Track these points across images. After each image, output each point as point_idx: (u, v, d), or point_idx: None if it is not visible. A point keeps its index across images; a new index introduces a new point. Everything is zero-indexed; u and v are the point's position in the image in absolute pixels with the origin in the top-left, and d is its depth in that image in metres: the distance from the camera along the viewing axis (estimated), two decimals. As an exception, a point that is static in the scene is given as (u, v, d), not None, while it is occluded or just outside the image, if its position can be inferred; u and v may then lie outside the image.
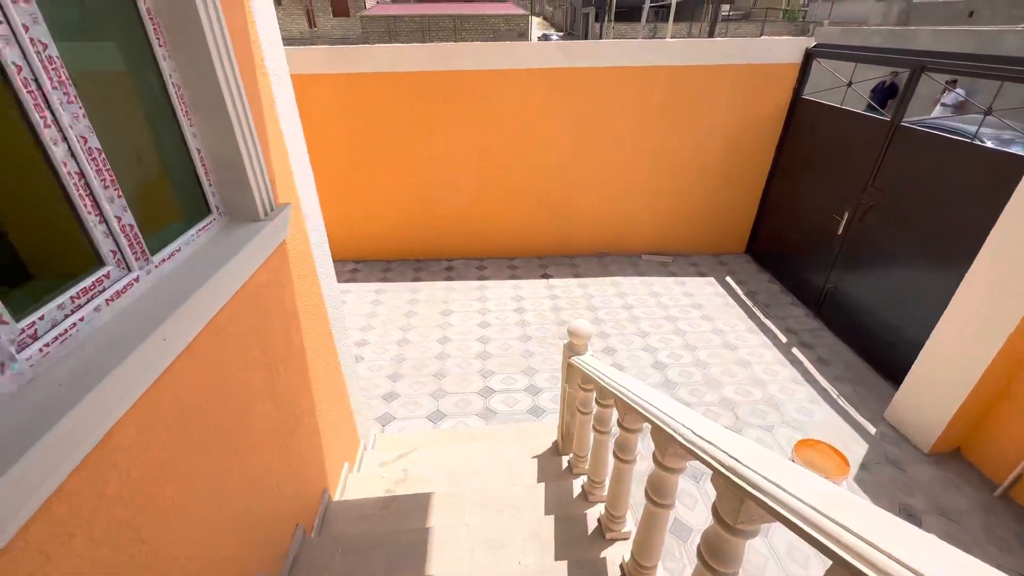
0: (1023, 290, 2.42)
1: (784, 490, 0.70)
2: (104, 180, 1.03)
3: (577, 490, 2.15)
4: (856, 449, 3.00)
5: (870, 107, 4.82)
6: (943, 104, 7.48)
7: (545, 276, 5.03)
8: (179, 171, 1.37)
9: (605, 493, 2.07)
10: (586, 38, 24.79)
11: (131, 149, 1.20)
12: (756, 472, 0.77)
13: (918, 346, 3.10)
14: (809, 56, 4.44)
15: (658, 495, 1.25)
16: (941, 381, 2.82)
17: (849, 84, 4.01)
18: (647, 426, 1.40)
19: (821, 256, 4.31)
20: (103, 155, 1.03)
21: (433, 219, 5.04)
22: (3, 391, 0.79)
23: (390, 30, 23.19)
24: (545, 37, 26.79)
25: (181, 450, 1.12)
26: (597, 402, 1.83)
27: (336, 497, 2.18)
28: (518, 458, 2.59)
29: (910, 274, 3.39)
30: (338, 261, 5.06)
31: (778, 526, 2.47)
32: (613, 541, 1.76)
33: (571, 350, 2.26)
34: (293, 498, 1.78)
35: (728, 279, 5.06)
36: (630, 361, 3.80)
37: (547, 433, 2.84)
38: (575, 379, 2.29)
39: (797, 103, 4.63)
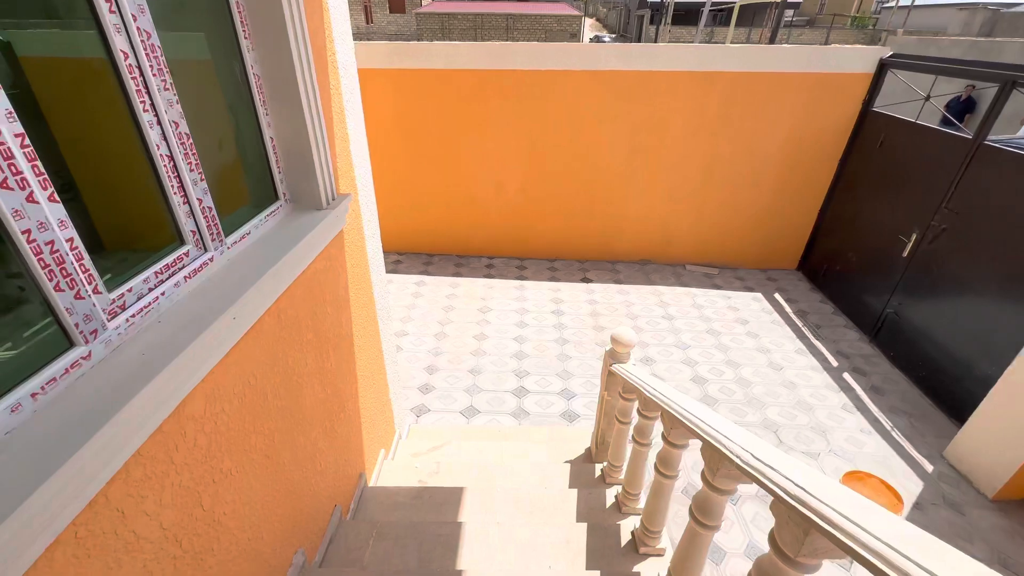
0: (1119, 331, 2.20)
1: (860, 527, 0.66)
2: (191, 163, 1.09)
3: (611, 500, 2.12)
4: (910, 487, 2.82)
5: (946, 122, 4.51)
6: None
7: (585, 280, 4.99)
8: (253, 158, 1.43)
9: (640, 506, 2.03)
10: (639, 41, 24.38)
11: (213, 135, 1.27)
12: (826, 504, 0.73)
13: (987, 381, 2.88)
14: (883, 66, 4.19)
15: (704, 515, 1.21)
16: (1014, 421, 2.61)
17: (927, 98, 3.77)
18: (693, 441, 1.36)
19: (882, 279, 4.07)
20: (191, 140, 1.08)
21: (477, 216, 5.08)
22: (96, 356, 0.85)
23: (444, 27, 23.58)
24: (597, 39, 26.56)
25: (240, 424, 1.17)
26: (639, 412, 1.80)
27: (371, 483, 2.23)
28: (550, 462, 2.58)
29: (983, 304, 3.15)
30: (383, 252, 5.19)
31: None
32: (647, 556, 1.72)
33: (613, 357, 2.23)
34: (333, 479, 1.83)
35: (777, 296, 4.85)
36: (668, 373, 3.71)
37: (580, 439, 2.81)
38: (615, 387, 2.26)
39: (866, 116, 4.38)
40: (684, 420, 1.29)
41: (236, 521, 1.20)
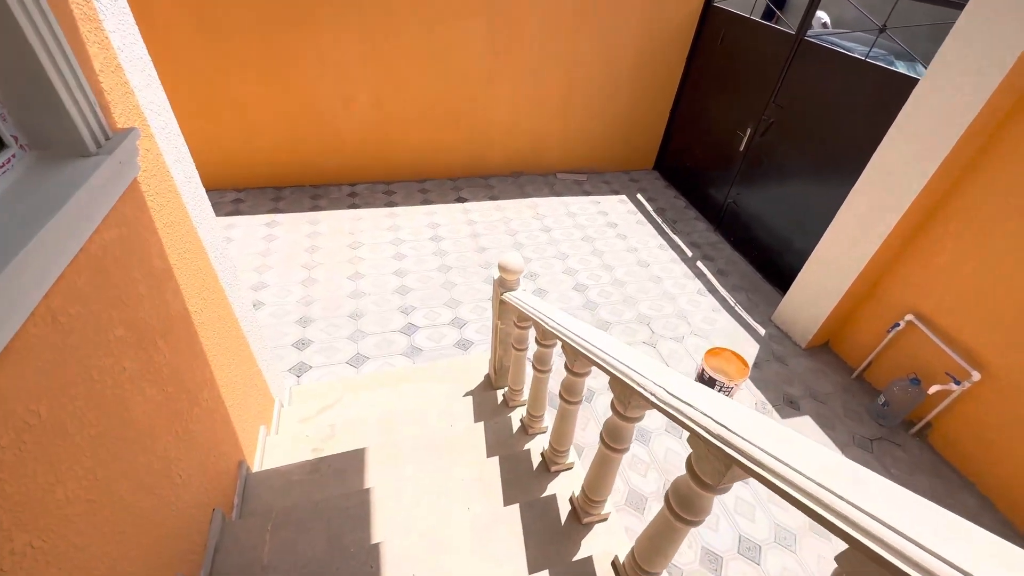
0: (894, 204, 2.71)
1: (781, 462, 0.66)
2: None
3: (516, 425, 2.16)
4: (750, 350, 3.38)
5: (768, 15, 4.87)
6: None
7: (460, 200, 4.75)
8: (-67, 83, 0.91)
9: (545, 425, 2.10)
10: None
11: None
12: (747, 440, 0.72)
13: (805, 255, 3.45)
14: (723, -42, 4.27)
15: (615, 440, 1.24)
16: (822, 285, 3.19)
17: (759, -8, 3.95)
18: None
19: (724, 171, 4.51)
20: None
21: (328, 137, 4.39)
22: None
23: None
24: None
25: (33, 482, 0.84)
26: (537, 342, 1.77)
27: (255, 467, 1.97)
28: (451, 397, 2.53)
29: (803, 189, 3.68)
30: (214, 191, 4.30)
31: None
32: (558, 473, 1.80)
33: (502, 286, 2.14)
34: (202, 483, 1.55)
35: (639, 196, 5.17)
36: (552, 285, 3.81)
37: (477, 367, 2.79)
38: (509, 316, 2.20)
39: (708, 11, 4.52)
40: (588, 354, 1.26)
41: (79, 562, 0.91)
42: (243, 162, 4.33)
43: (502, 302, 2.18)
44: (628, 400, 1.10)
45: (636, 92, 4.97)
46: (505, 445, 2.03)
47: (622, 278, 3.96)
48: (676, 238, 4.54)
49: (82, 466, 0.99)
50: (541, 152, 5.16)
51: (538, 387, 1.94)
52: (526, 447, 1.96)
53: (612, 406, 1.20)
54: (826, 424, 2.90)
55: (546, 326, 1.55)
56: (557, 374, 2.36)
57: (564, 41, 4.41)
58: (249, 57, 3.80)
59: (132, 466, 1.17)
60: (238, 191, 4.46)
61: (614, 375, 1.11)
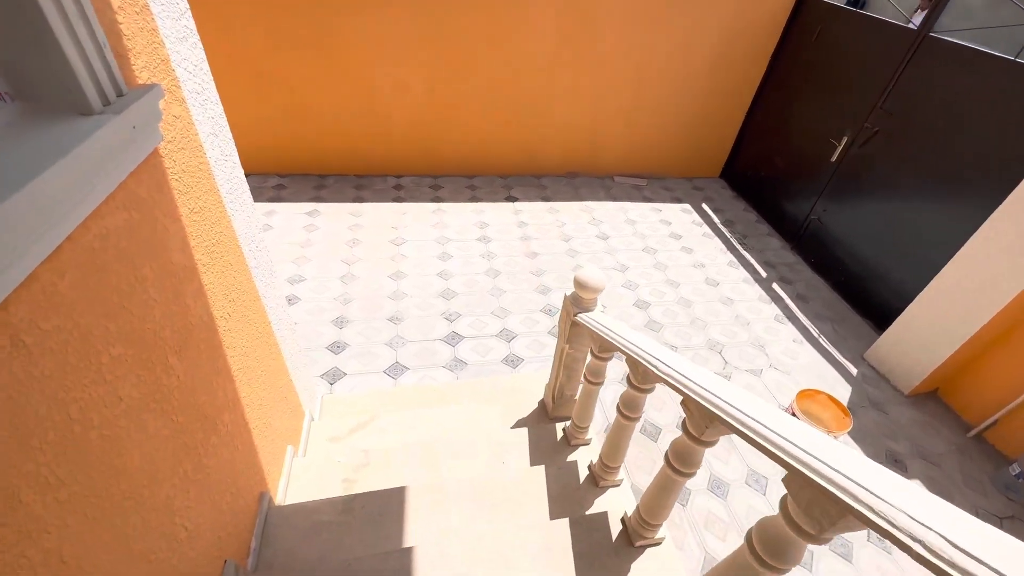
0: (1052, 234, 2.22)
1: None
2: None
3: (583, 471, 1.81)
4: (840, 392, 2.92)
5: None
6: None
7: (510, 199, 4.42)
8: None
9: (620, 478, 1.74)
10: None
11: None
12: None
13: (908, 286, 2.96)
14: (827, -56, 3.79)
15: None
16: (938, 325, 2.71)
17: (871, -18, 3.46)
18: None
19: (808, 185, 4.03)
20: None
21: (377, 124, 4.14)
22: None
23: None
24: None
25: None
26: (630, 383, 1.41)
27: (279, 498, 1.69)
28: (501, 425, 2.21)
29: (912, 210, 3.17)
30: (256, 175, 4.12)
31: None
32: (644, 549, 1.44)
33: (576, 305, 1.80)
34: (213, 529, 1.27)
35: (704, 206, 4.72)
36: (610, 299, 3.44)
37: (530, 390, 2.46)
38: (582, 341, 1.86)
39: (804, 3, 4.05)
40: (716, 411, 0.90)
41: None
42: (288, 146, 4.12)
43: (574, 323, 1.83)
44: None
45: (710, 92, 4.53)
46: (571, 499, 1.69)
47: (689, 297, 3.54)
48: (747, 255, 4.08)
49: (40, 548, 0.70)
50: (599, 152, 4.78)
51: (620, 435, 1.58)
52: (600, 507, 1.61)
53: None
54: (941, 492, 2.42)
55: (654, 368, 1.20)
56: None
57: (640, 31, 4.02)
58: (303, 35, 3.58)
59: (119, 531, 0.88)
60: (281, 176, 4.26)
61: (795, 469, 0.75)
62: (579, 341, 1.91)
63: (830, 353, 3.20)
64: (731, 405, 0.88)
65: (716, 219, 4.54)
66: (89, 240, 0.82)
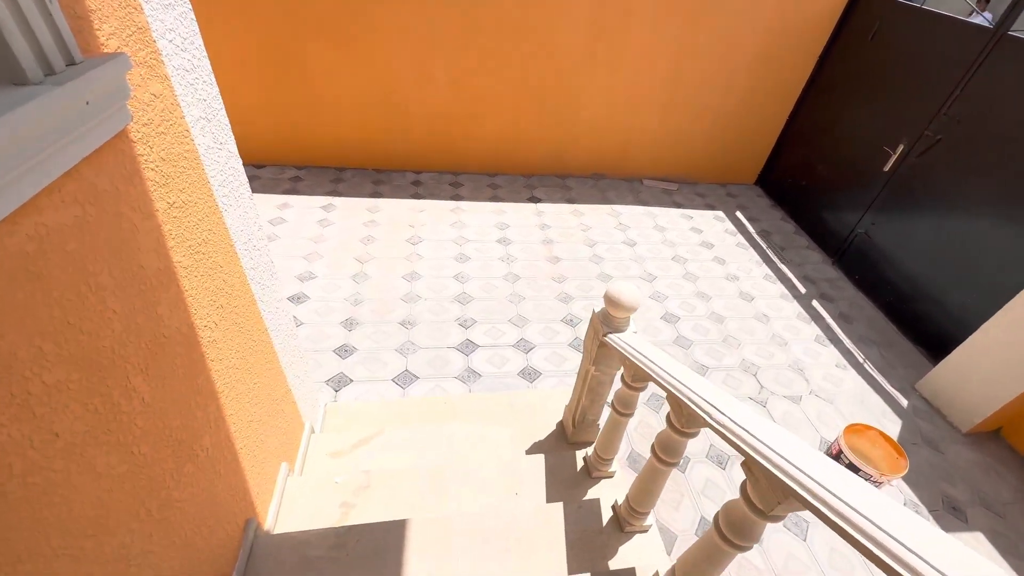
0: None
1: None
2: None
3: (606, 512, 1.61)
4: (889, 425, 2.65)
5: None
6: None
7: (533, 199, 4.22)
8: None
9: (648, 523, 1.54)
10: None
11: None
12: None
13: (969, 312, 2.68)
14: (889, -65, 3.49)
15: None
16: (1007, 358, 2.42)
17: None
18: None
19: (855, 196, 3.73)
20: None
21: (399, 117, 3.98)
22: None
23: None
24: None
25: None
26: (670, 424, 1.21)
27: (268, 522, 1.53)
28: (515, 448, 2.02)
29: (978, 228, 2.87)
30: (273, 166, 4.01)
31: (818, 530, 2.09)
32: (679, 619, 1.23)
33: (606, 323, 1.60)
34: (188, 569, 1.11)
35: (739, 214, 4.45)
36: (637, 312, 3.21)
37: (548, 409, 2.26)
38: (609, 363, 1.66)
39: (859, 1, 3.75)
40: (794, 483, 0.69)
41: None
42: (306, 136, 4.00)
43: (602, 344, 1.63)
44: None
45: (750, 94, 4.26)
46: (592, 547, 1.49)
47: (721, 312, 3.30)
48: (785, 268, 3.81)
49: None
50: (628, 154, 4.55)
51: (655, 479, 1.38)
52: (627, 559, 1.41)
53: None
54: (1008, 548, 2.15)
55: (705, 415, 0.99)
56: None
57: (678, 24, 3.78)
58: (326, 21, 3.44)
59: (48, 599, 0.72)
60: (298, 168, 4.14)
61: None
62: (607, 363, 1.71)
63: (877, 381, 2.92)
64: (826, 489, 0.67)
65: (751, 228, 4.26)
66: (16, 242, 0.65)
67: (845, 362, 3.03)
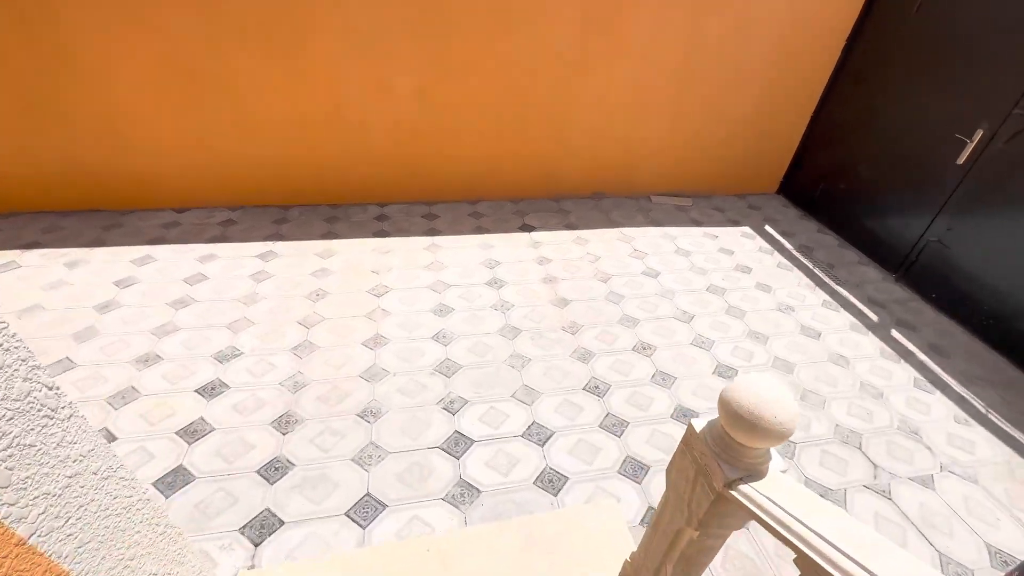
0: None
1: None
2: None
3: None
4: (1062, 510, 1.86)
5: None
6: None
7: (526, 228, 3.46)
8: None
9: None
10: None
11: None
12: None
13: None
14: None
15: None
16: None
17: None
18: None
19: (919, 197, 3.07)
20: None
21: (354, 139, 3.22)
22: None
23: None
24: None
25: None
26: None
27: None
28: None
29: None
30: (199, 209, 3.20)
31: None
32: None
33: (730, 458, 0.80)
34: None
35: (768, 228, 3.76)
36: (678, 363, 2.42)
37: (587, 541, 1.42)
38: (729, 523, 0.88)
39: (894, -31, 3.18)
40: None
41: None
42: (240, 169, 3.20)
43: (721, 498, 0.83)
44: None
45: (769, 87, 3.64)
46: None
47: (785, 356, 2.53)
48: (843, 291, 3.09)
49: None
50: (633, 166, 3.85)
51: None
52: None
53: None
54: None
55: None
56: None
57: (686, 12, 3.15)
58: (251, 22, 2.70)
59: None
60: (232, 209, 3.32)
61: None
62: (724, 524, 0.90)
63: (1009, 435, 2.16)
64: None
65: (788, 244, 3.56)
66: None
67: (964, 415, 2.27)
